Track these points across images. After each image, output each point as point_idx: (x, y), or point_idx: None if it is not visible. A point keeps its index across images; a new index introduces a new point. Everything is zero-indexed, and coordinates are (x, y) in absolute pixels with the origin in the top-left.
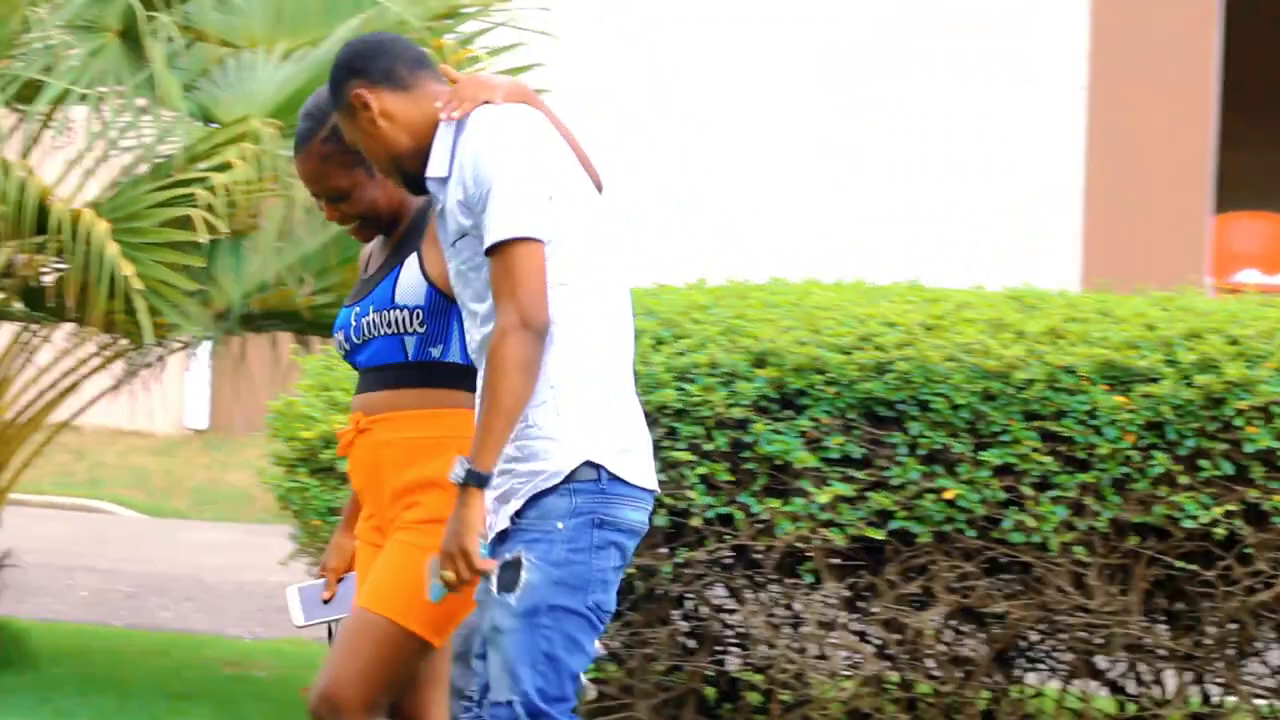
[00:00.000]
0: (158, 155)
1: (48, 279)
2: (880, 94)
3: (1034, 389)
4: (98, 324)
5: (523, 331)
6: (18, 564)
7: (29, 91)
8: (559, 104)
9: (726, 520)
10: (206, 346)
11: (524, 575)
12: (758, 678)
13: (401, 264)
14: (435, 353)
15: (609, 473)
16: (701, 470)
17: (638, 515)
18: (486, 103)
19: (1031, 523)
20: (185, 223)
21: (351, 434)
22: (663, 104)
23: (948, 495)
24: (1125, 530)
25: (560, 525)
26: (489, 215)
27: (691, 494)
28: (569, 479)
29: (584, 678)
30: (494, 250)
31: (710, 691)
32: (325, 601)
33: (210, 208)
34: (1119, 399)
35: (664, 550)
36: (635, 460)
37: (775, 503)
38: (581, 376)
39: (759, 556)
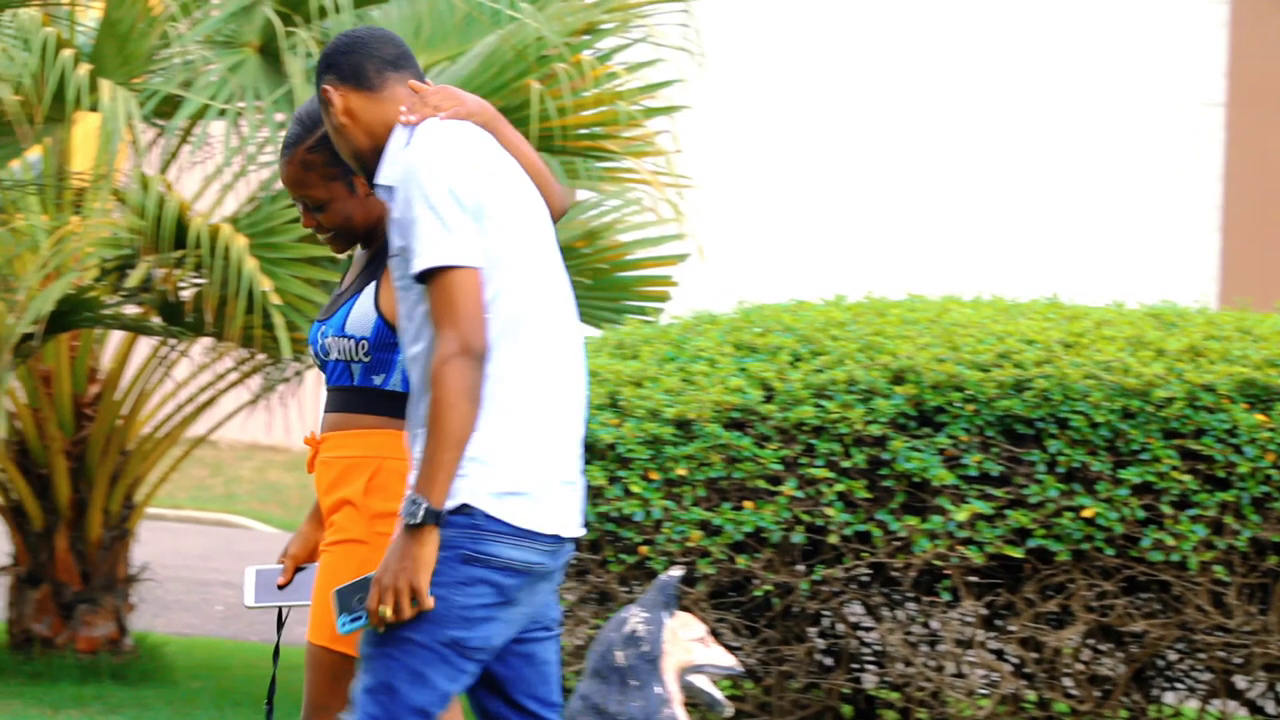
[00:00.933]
0: None
1: (186, 294)
2: (1019, 112)
3: (1174, 407)
4: (235, 339)
5: (464, 359)
6: (154, 578)
7: (168, 107)
8: (698, 119)
9: (864, 538)
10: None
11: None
12: (894, 696)
13: (360, 291)
14: (377, 380)
15: (484, 513)
16: (839, 487)
17: (521, 554)
18: (441, 113)
19: (1171, 541)
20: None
21: (312, 452)
22: (801, 118)
23: (1086, 513)
24: (1265, 549)
25: None
26: (418, 240)
27: (829, 511)
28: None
29: (725, 690)
30: (428, 278)
31: (847, 709)
32: (280, 587)
33: None
34: (1259, 417)
35: (801, 568)
36: (528, 505)
37: (913, 520)
38: (488, 412)
39: (896, 574)
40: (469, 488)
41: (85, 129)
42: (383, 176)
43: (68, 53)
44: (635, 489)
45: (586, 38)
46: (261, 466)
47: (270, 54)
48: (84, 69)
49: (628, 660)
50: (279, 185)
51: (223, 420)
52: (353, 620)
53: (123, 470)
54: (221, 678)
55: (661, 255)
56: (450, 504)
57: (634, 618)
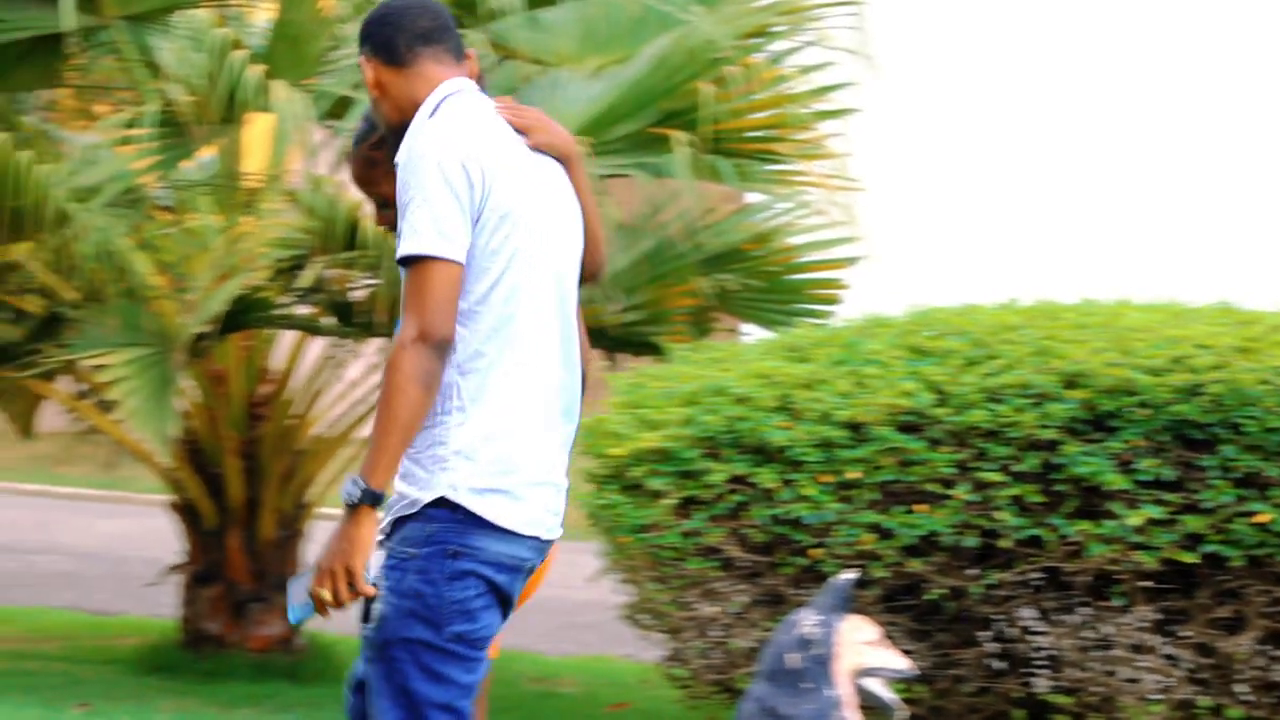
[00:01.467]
0: None
1: (358, 294)
2: (1194, 114)
3: None
4: None
5: (421, 345)
6: None
7: (339, 108)
8: (869, 122)
9: (1036, 542)
10: None
11: (375, 607)
12: (1067, 700)
13: None
14: None
15: (466, 509)
16: (1012, 491)
17: (506, 548)
18: (528, 137)
19: None
20: None
21: None
22: (973, 121)
23: (1261, 519)
24: None
25: (414, 552)
26: (405, 225)
27: (1002, 515)
28: (427, 507)
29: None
30: (407, 263)
31: (1019, 714)
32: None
33: None
34: None
35: (973, 571)
36: (508, 503)
37: (1086, 525)
38: (471, 410)
39: (1069, 578)
40: (448, 481)
41: (257, 130)
42: (398, 155)
43: (240, 54)
44: (807, 492)
45: (758, 40)
46: None
47: None
48: (256, 70)
49: (800, 663)
50: None
51: None
52: (302, 609)
53: (294, 470)
54: None
55: (832, 258)
56: (429, 496)
57: (806, 620)
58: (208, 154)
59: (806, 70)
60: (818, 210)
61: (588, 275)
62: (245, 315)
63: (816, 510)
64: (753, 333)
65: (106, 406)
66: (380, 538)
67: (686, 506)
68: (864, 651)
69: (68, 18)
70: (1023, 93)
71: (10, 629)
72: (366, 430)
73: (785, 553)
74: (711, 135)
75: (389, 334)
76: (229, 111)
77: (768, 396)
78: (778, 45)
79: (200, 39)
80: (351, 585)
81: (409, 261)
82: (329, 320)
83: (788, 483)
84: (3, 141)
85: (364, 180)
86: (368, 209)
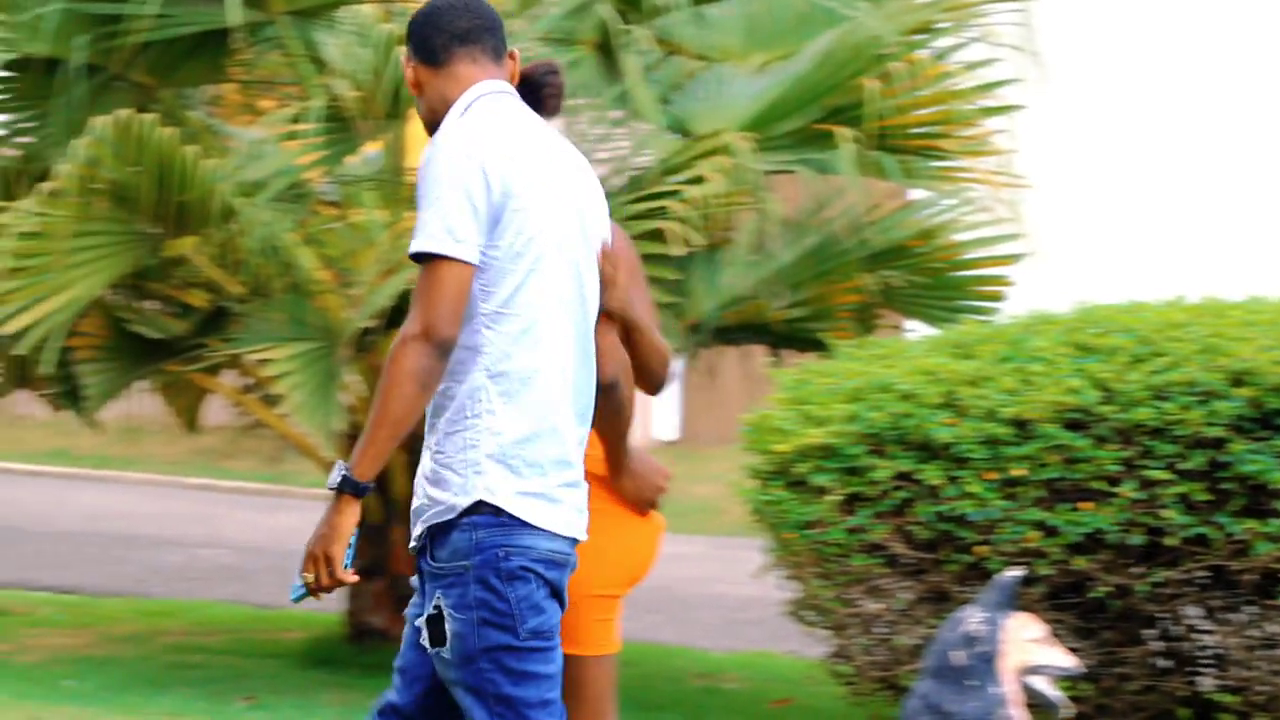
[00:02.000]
0: (632, 167)
1: None
2: None
3: None
4: None
5: (423, 343)
6: None
7: None
8: (1034, 118)
9: (1202, 540)
10: (678, 358)
11: (447, 627)
12: (1233, 699)
13: None
14: None
15: (508, 513)
16: (1178, 489)
17: (552, 544)
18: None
19: None
20: (659, 235)
21: None
22: (1139, 117)
23: None
24: None
25: (466, 564)
26: (420, 221)
27: (1168, 513)
28: (467, 513)
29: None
30: (420, 260)
31: (1184, 712)
32: None
33: (685, 221)
34: None
35: (1139, 569)
36: (545, 506)
37: (1253, 523)
38: (502, 413)
39: (1235, 577)
40: (484, 484)
41: (421, 125)
42: (425, 153)
43: (405, 49)
44: (972, 489)
45: (922, 36)
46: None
47: (607, 52)
48: None
49: (965, 660)
50: (616, 182)
51: None
52: (298, 589)
53: None
54: None
55: (997, 255)
56: (465, 501)
57: (972, 618)
58: (372, 149)
59: (971, 66)
60: (982, 207)
61: (651, 386)
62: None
63: (981, 507)
64: (917, 329)
65: (271, 401)
66: (413, 544)
67: (851, 503)
68: (1029, 649)
69: (234, 13)
70: (1189, 88)
71: (175, 622)
72: None
73: (950, 550)
74: (876, 131)
75: None
76: (394, 107)
77: (933, 393)
78: (942, 41)
79: (365, 34)
80: (331, 570)
81: (419, 259)
82: None
83: (953, 479)
84: (170, 136)
85: None
86: None
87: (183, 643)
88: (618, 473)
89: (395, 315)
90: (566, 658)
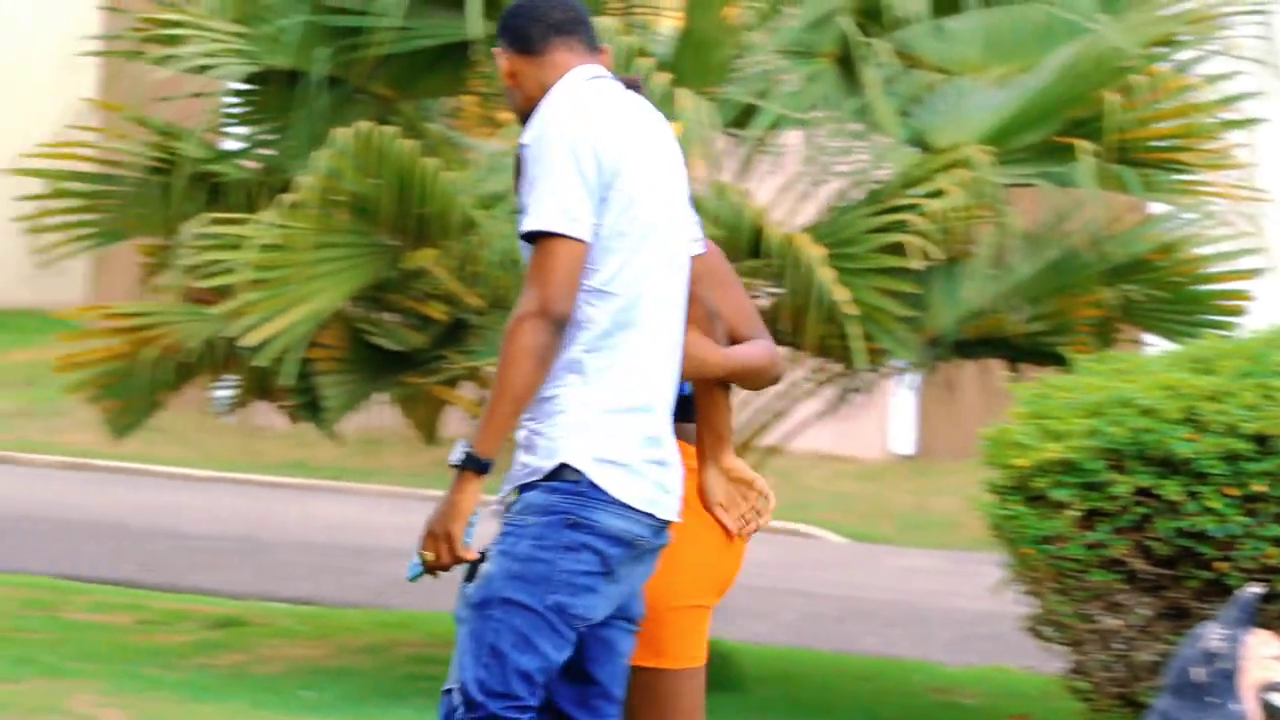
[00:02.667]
0: (871, 181)
1: (761, 303)
2: None
3: None
4: (811, 348)
5: (540, 320)
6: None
7: (744, 116)
8: (1275, 132)
9: None
10: (916, 372)
11: (484, 566)
12: None
13: None
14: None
15: (589, 479)
16: None
17: (623, 524)
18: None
19: None
20: (899, 249)
21: None
22: None
23: None
24: None
25: (533, 520)
26: (532, 200)
27: None
28: (551, 477)
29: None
30: (533, 239)
31: None
32: None
33: (924, 234)
34: None
35: None
36: (625, 477)
37: None
38: (594, 381)
39: None
40: (568, 448)
41: None
42: (525, 136)
43: (647, 61)
44: (1212, 505)
45: (1164, 49)
46: (832, 476)
47: (846, 64)
48: (662, 78)
49: (1205, 677)
50: (855, 195)
51: (796, 429)
52: (415, 567)
53: None
54: (792, 686)
55: (1237, 269)
56: (550, 464)
57: (1212, 634)
58: None
59: (1213, 79)
60: (1223, 221)
61: (768, 380)
62: None
63: (1222, 523)
64: (1156, 344)
65: None
66: (499, 508)
67: (1090, 518)
68: (1270, 666)
69: (474, 25)
70: None
71: (413, 634)
72: (770, 439)
73: (1189, 566)
74: (1117, 144)
75: (792, 343)
76: None
77: (1173, 408)
78: (1184, 54)
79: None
80: (452, 548)
81: (533, 238)
82: None
83: (1193, 495)
84: (410, 148)
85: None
86: (772, 217)
87: (421, 654)
88: (708, 464)
89: None
90: (654, 671)
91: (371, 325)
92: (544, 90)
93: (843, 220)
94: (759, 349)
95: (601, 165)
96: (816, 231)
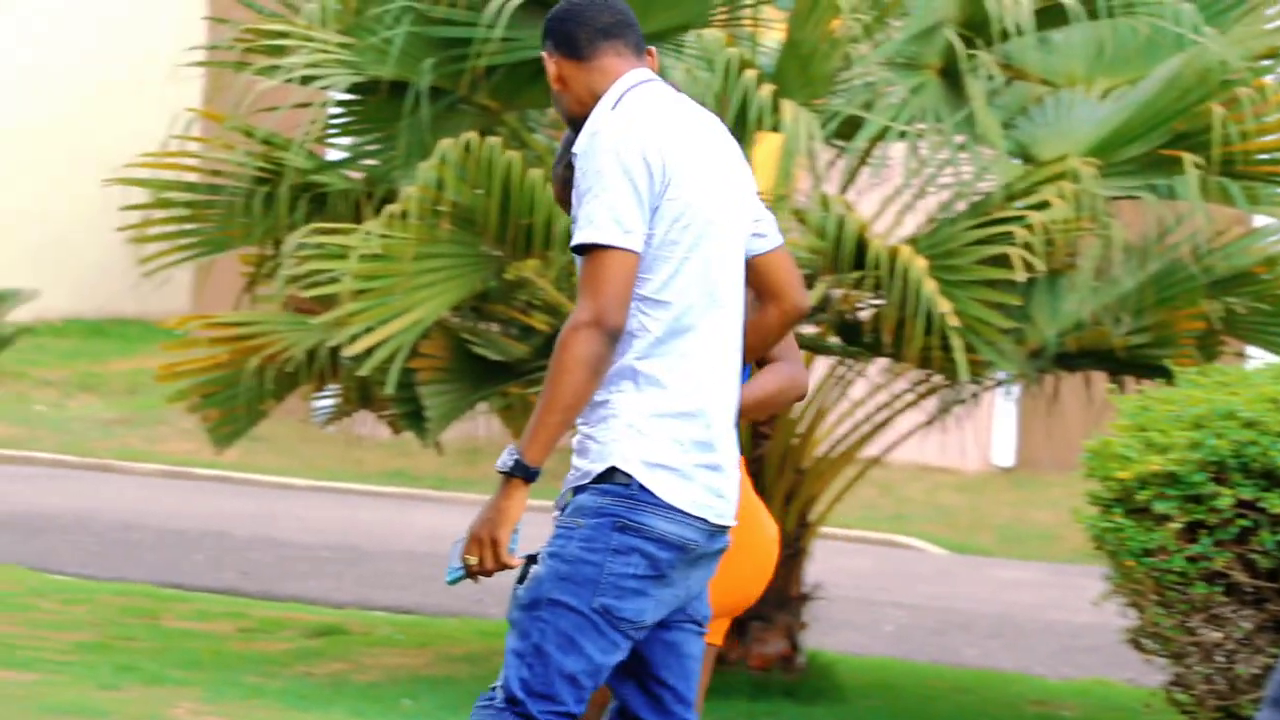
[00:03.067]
0: (975, 193)
1: (864, 314)
2: None
3: None
4: (913, 360)
5: (594, 330)
6: (826, 596)
7: (848, 128)
8: None
9: None
10: (1018, 384)
11: (534, 568)
12: None
13: None
14: None
15: (639, 483)
16: None
17: (673, 528)
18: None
19: None
20: (1002, 261)
21: None
22: None
23: None
24: None
25: (581, 523)
26: (583, 212)
27: None
28: (601, 480)
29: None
30: (583, 250)
31: None
32: None
33: (1028, 246)
34: None
35: None
36: (676, 481)
37: None
38: (647, 387)
39: None
40: (620, 452)
41: (765, 150)
42: (577, 145)
43: (750, 74)
44: None
45: (1269, 62)
46: (932, 488)
47: (951, 76)
48: (766, 90)
49: None
50: (959, 207)
51: (897, 441)
52: (455, 571)
53: (797, 489)
54: (891, 697)
55: None
56: (600, 467)
57: None
58: None
59: None
60: None
61: (786, 402)
62: None
63: None
64: (1259, 356)
65: None
66: (555, 513)
67: (1192, 530)
68: None
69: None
70: None
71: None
72: (871, 450)
73: None
74: (1221, 157)
75: (894, 354)
76: (737, 130)
77: (1276, 421)
78: None
79: (711, 58)
80: (496, 554)
81: (585, 249)
82: (835, 340)
83: None
84: (514, 159)
85: (563, 200)
86: (875, 228)
87: None
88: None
89: None
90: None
91: (474, 335)
92: (593, 96)
93: (946, 232)
94: (772, 378)
95: (652, 175)
96: (920, 243)
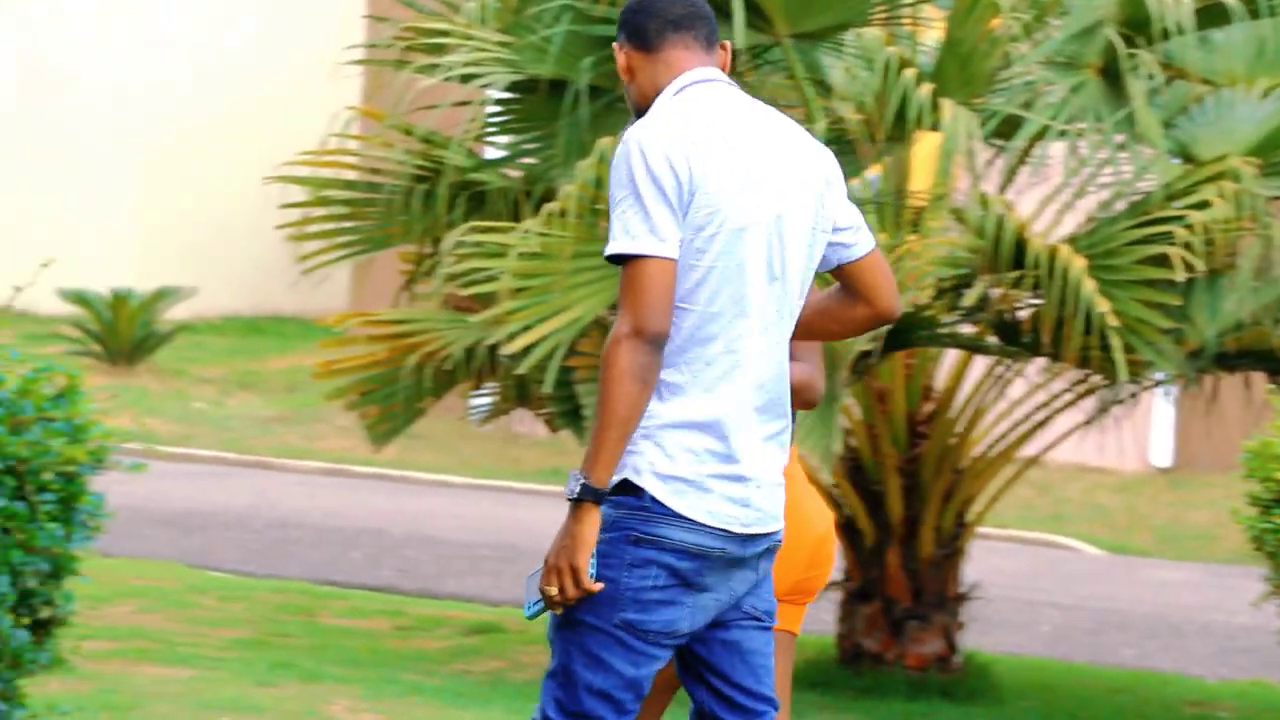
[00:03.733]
0: (1135, 192)
1: (1022, 314)
2: None
3: None
4: (1072, 360)
5: (635, 340)
6: (983, 597)
7: (1007, 127)
8: None
9: None
10: (1177, 384)
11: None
12: None
13: None
14: None
15: (651, 495)
16: None
17: (691, 538)
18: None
19: None
20: (1161, 260)
21: None
22: None
23: None
24: None
25: (599, 537)
26: (615, 221)
27: None
28: (616, 492)
29: None
30: (618, 260)
31: None
32: None
33: (1188, 246)
34: None
35: None
36: (690, 492)
37: None
38: (668, 399)
39: None
40: (634, 464)
41: (924, 148)
42: (618, 148)
43: (910, 72)
44: None
45: None
46: (1090, 488)
47: (1111, 75)
48: (926, 89)
49: None
50: (1118, 206)
51: (1055, 441)
52: (534, 604)
53: (955, 488)
54: (1048, 698)
55: None
56: (616, 478)
57: None
58: (873, 172)
59: None
60: None
61: (799, 404)
62: (910, 333)
63: None
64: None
65: None
66: None
67: None
68: None
69: (739, 36)
70: None
71: None
72: (1029, 450)
73: None
74: None
75: (1053, 354)
76: (897, 129)
77: None
78: None
79: (870, 57)
80: (577, 582)
81: (621, 259)
82: (993, 340)
83: None
84: None
85: None
86: (1034, 228)
87: None
88: None
89: (894, 338)
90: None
91: None
92: (656, 89)
93: (1105, 232)
94: (796, 371)
95: (680, 182)
96: (1079, 243)
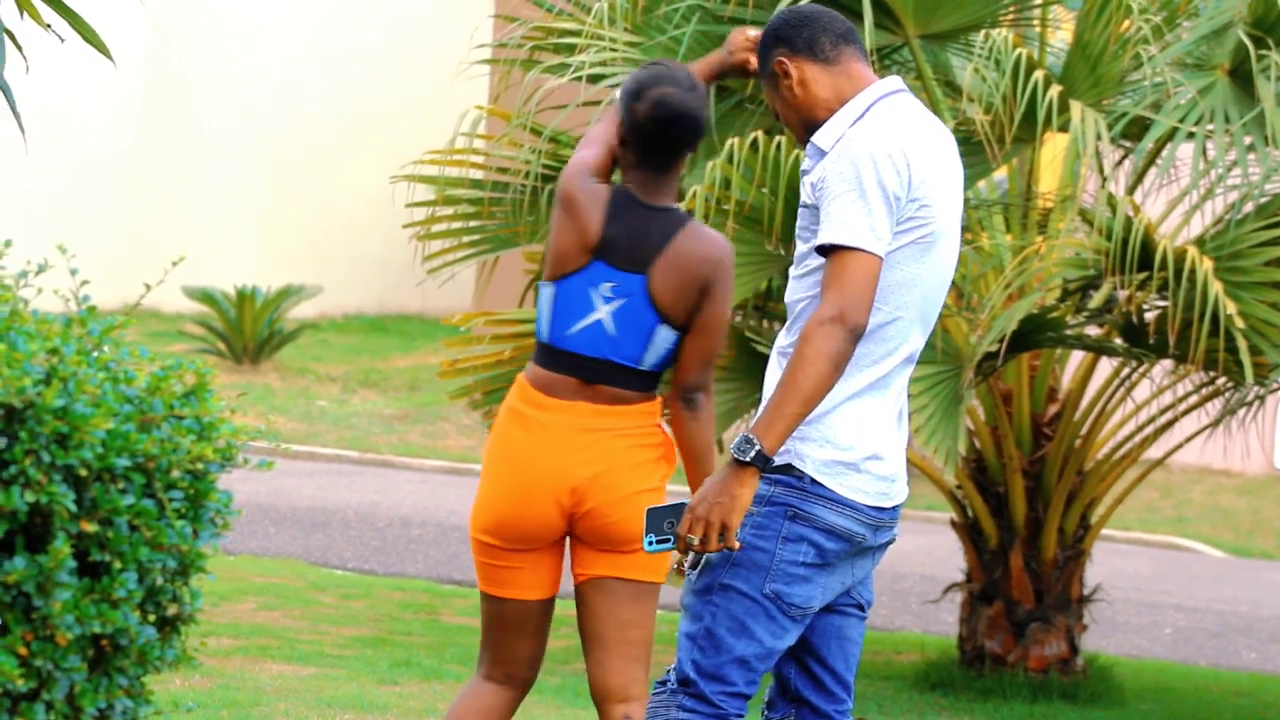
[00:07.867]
0: (1263, 194)
1: (1149, 315)
2: None
3: None
4: (1197, 362)
5: (838, 325)
6: (1106, 599)
7: (1136, 129)
8: None
9: None
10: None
11: (708, 556)
12: None
13: None
14: None
15: (810, 475)
16: None
17: (842, 521)
18: None
19: None
20: None
21: None
22: None
23: None
24: None
25: (754, 510)
26: (834, 213)
27: None
28: (774, 469)
29: None
30: (829, 251)
31: None
32: None
33: None
34: None
35: None
36: (853, 476)
37: None
38: (837, 390)
39: None
40: (798, 451)
41: (1052, 150)
42: (819, 137)
43: (1038, 74)
44: None
45: None
46: (1213, 490)
47: (1241, 76)
48: (1054, 90)
49: None
50: (1247, 208)
51: (1180, 443)
52: (659, 542)
53: (1079, 490)
54: (1170, 700)
55: None
56: (779, 461)
57: None
58: (1001, 173)
59: None
60: None
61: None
62: (1035, 335)
63: None
64: None
65: None
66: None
67: None
68: None
69: (869, 36)
70: None
71: None
72: (1155, 452)
73: None
74: None
75: (1179, 356)
76: (1025, 131)
77: None
78: None
79: (999, 58)
80: (722, 538)
81: (834, 249)
82: (1119, 341)
83: None
84: (800, 158)
85: None
86: (1162, 229)
87: None
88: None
89: (1019, 339)
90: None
91: (758, 334)
92: (839, 99)
93: (1233, 234)
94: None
95: (903, 185)
96: (1206, 245)
